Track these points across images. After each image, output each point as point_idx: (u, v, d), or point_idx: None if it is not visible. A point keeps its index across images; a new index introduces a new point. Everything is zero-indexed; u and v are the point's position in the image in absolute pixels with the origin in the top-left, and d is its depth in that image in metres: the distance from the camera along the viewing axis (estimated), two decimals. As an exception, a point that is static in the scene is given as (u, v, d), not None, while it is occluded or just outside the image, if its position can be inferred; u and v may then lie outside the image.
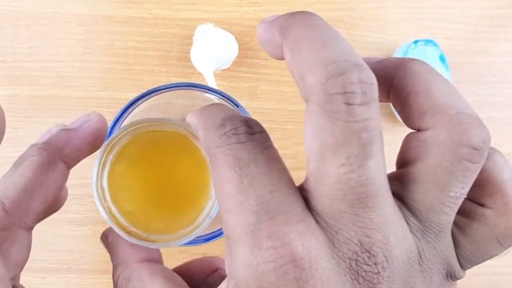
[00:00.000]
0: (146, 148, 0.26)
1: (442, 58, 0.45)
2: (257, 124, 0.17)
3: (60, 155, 0.24)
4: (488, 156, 0.16)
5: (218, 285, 0.21)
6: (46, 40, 0.46)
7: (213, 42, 0.43)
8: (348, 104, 0.14)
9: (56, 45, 0.46)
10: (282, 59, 0.17)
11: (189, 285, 0.24)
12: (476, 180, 0.16)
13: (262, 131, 0.17)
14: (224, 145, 0.16)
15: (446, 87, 0.16)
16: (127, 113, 0.35)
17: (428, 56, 0.45)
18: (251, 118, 0.17)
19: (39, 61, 0.46)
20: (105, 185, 0.25)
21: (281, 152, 0.43)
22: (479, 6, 0.49)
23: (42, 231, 0.44)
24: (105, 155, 0.24)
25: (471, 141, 0.15)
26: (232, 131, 0.16)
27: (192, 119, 0.18)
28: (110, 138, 0.24)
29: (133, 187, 0.26)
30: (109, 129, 0.34)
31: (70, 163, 0.24)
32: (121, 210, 0.25)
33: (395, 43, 0.48)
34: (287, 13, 0.17)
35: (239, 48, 0.46)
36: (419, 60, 0.17)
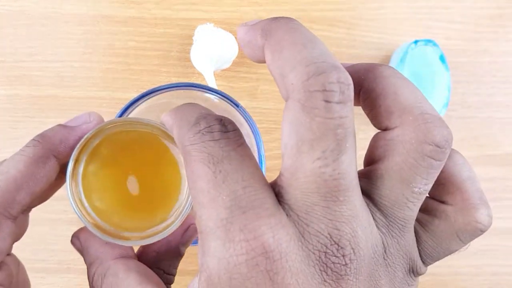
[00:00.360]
0: (119, 147, 0.27)
1: (442, 58, 0.45)
2: (230, 122, 0.17)
3: (54, 151, 0.25)
4: (449, 157, 0.17)
5: (193, 239, 0.22)
6: (46, 40, 0.46)
7: (213, 42, 0.43)
8: (327, 101, 0.15)
9: (56, 45, 0.46)
10: (262, 61, 0.18)
11: (167, 249, 0.26)
12: (437, 179, 0.16)
13: (236, 129, 0.17)
14: (198, 142, 0.16)
15: (412, 90, 0.17)
16: (127, 113, 0.35)
17: (428, 56, 0.45)
18: (224, 117, 0.17)
19: (39, 61, 0.46)
20: (79, 184, 0.25)
21: (281, 152, 0.43)
22: (479, 6, 0.49)
23: (42, 231, 0.44)
24: (78, 154, 0.25)
25: (434, 139, 0.16)
26: (206, 129, 0.16)
27: (166, 118, 0.19)
28: (84, 138, 0.25)
29: (106, 186, 0.26)
30: (109, 129, 0.34)
31: (62, 159, 0.25)
32: (95, 208, 0.26)
33: (395, 43, 0.48)
34: (268, 18, 0.17)
35: (239, 48, 0.46)
36: (388, 65, 0.18)
